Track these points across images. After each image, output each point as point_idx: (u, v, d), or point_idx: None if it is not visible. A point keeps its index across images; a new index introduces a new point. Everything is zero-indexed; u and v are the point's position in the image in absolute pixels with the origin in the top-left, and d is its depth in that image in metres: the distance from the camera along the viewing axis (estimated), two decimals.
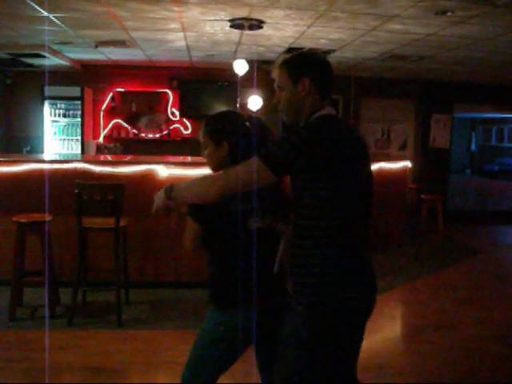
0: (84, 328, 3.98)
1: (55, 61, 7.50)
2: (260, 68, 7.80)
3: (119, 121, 8.88)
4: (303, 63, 1.91)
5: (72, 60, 8.10)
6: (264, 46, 6.68)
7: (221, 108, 8.42)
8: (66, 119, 8.52)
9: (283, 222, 2.06)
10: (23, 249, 4.11)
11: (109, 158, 6.30)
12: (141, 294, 4.71)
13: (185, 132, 8.99)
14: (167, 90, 8.91)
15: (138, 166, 4.88)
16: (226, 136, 2.01)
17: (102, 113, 8.85)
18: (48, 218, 4.05)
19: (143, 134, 8.90)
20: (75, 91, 8.32)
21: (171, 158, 5.82)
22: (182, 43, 6.64)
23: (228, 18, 5.20)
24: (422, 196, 6.91)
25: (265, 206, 1.98)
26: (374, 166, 6.04)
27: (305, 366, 1.81)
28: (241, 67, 6.30)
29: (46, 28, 5.66)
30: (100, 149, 8.71)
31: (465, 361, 3.62)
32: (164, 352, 3.57)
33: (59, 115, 8.50)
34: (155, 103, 8.94)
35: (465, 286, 5.61)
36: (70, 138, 8.55)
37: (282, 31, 5.73)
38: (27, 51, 6.93)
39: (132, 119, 8.89)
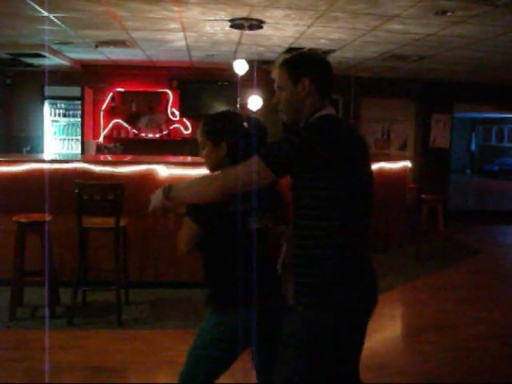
0: (84, 328, 3.98)
1: (55, 61, 7.50)
2: (260, 68, 7.80)
3: (119, 121, 8.88)
4: (303, 63, 1.90)
5: (72, 60, 8.10)
6: (264, 46, 6.68)
7: (221, 108, 8.42)
8: (66, 119, 8.52)
9: (283, 223, 2.06)
10: (23, 249, 4.10)
11: (109, 157, 6.30)
12: (141, 293, 4.71)
13: (185, 132, 8.99)
14: (167, 90, 8.91)
15: (138, 166, 4.88)
16: (225, 136, 2.00)
17: (102, 113, 8.85)
18: (48, 217, 4.05)
19: (143, 134, 8.90)
20: (75, 91, 8.32)
21: (171, 158, 5.82)
22: (182, 43, 6.64)
23: (228, 18, 5.20)
24: (423, 196, 6.90)
25: (263, 206, 1.98)
26: (375, 166, 6.03)
27: (305, 366, 1.81)
28: (241, 67, 6.30)
29: (46, 28, 5.66)
30: (100, 149, 8.71)
31: (465, 361, 3.62)
32: (164, 352, 3.57)
33: (59, 115, 8.50)
34: (155, 103, 8.94)
35: (465, 285, 5.61)
36: (70, 137, 8.55)
37: (282, 31, 5.73)
38: (27, 51, 6.93)
39: (132, 119, 8.89)
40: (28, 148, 8.43)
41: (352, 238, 1.81)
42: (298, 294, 1.85)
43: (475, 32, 5.30)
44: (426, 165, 9.39)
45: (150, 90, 8.88)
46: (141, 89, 8.86)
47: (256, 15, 5.04)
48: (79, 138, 8.45)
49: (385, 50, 6.67)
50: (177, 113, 8.94)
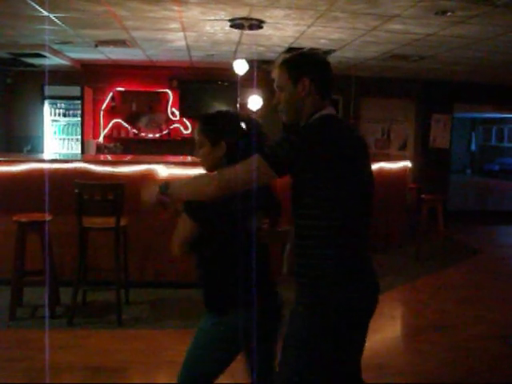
0: (84, 328, 3.98)
1: (55, 60, 7.50)
2: (260, 68, 7.80)
3: (119, 120, 8.88)
4: (303, 63, 1.90)
5: (72, 60, 8.10)
6: (264, 46, 6.68)
7: (221, 108, 8.42)
8: (66, 119, 8.51)
9: (273, 223, 2.06)
10: (23, 248, 4.11)
11: (109, 157, 6.30)
12: (141, 293, 4.71)
13: (185, 132, 8.99)
14: (167, 90, 8.91)
15: (138, 166, 4.88)
16: (225, 136, 1.98)
17: (102, 112, 8.85)
18: (48, 217, 4.05)
19: (143, 134, 8.90)
20: (75, 91, 8.32)
21: (171, 158, 5.82)
22: (182, 43, 6.64)
23: (228, 18, 5.20)
24: (423, 196, 6.91)
25: (257, 205, 1.96)
26: (375, 166, 6.03)
27: (305, 366, 1.80)
28: (241, 67, 6.31)
29: (47, 27, 5.66)
30: (100, 148, 8.71)
31: (465, 360, 3.62)
32: (164, 352, 3.57)
33: (59, 115, 8.50)
34: (155, 103, 8.94)
35: (465, 285, 5.61)
36: (70, 137, 8.55)
37: (282, 31, 5.73)
38: (27, 51, 6.93)
39: (132, 119, 8.89)
40: (28, 148, 8.43)
41: (352, 238, 1.81)
42: (298, 293, 1.85)
43: (475, 32, 5.30)
44: (426, 165, 9.39)
45: (150, 89, 8.88)
46: (141, 88, 8.85)
47: (256, 15, 5.04)
48: (79, 137, 8.45)
49: (385, 50, 6.67)
50: (177, 112, 8.94)
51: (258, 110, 6.60)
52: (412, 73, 8.57)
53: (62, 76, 8.42)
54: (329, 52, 6.80)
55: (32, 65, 8.00)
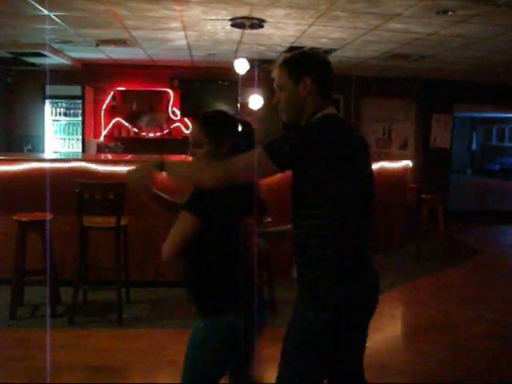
0: (85, 327, 3.99)
1: (56, 60, 7.50)
2: (261, 67, 7.80)
3: (120, 120, 8.87)
4: (304, 63, 1.89)
5: (73, 59, 8.10)
6: (265, 45, 6.68)
7: (222, 107, 8.43)
8: (67, 118, 8.52)
9: (259, 220, 2.05)
10: (24, 248, 4.11)
11: (109, 157, 6.31)
12: (141, 292, 4.72)
13: (185, 131, 8.98)
14: (168, 89, 8.91)
15: None
16: (226, 135, 1.98)
17: (102, 112, 8.85)
18: (49, 216, 4.06)
19: (144, 133, 8.90)
20: (76, 90, 8.31)
21: (172, 157, 5.81)
22: (183, 42, 6.64)
23: (229, 17, 5.20)
24: (423, 196, 6.90)
25: (245, 203, 1.95)
26: (375, 166, 6.04)
27: (305, 366, 1.81)
28: (242, 66, 6.30)
29: (47, 27, 5.65)
30: (101, 148, 8.71)
31: (465, 360, 3.62)
32: (165, 351, 3.57)
33: (60, 114, 8.50)
34: (156, 102, 8.93)
35: (465, 285, 5.61)
36: (71, 137, 8.55)
37: (283, 30, 5.72)
38: (28, 50, 6.93)
39: (133, 118, 8.89)
40: (29, 147, 8.43)
41: (352, 238, 1.81)
42: (298, 294, 1.85)
43: (476, 31, 5.30)
44: (426, 165, 9.39)
45: (150, 89, 8.87)
46: (141, 88, 8.85)
47: (257, 14, 5.04)
48: (80, 137, 8.45)
49: (386, 50, 6.66)
50: (177, 112, 8.94)
51: (258, 110, 6.60)
52: (413, 72, 8.56)
53: (62, 75, 8.42)
54: (329, 51, 6.79)
55: (33, 64, 8.00)
